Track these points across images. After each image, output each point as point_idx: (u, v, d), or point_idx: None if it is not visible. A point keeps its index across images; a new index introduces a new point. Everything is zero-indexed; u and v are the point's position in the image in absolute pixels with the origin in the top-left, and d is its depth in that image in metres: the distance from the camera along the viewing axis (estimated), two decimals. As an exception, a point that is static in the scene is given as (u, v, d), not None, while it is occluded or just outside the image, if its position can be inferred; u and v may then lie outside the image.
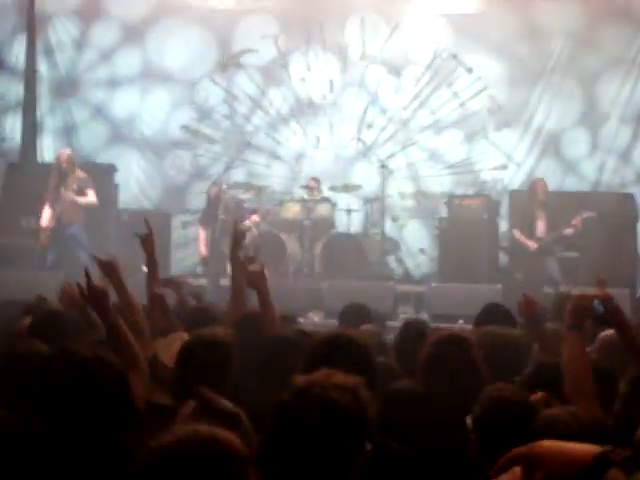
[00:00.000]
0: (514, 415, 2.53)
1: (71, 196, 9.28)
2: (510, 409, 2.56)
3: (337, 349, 2.69)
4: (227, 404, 2.45)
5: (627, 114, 10.78)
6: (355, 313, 5.32)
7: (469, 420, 2.60)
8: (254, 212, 9.82)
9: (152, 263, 4.92)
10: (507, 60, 11.00)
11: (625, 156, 10.82)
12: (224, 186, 9.95)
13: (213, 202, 9.82)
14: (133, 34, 11.37)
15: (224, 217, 9.50)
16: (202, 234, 9.88)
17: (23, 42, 11.36)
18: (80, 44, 11.47)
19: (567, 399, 2.74)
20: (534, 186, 9.70)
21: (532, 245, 9.34)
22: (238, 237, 4.89)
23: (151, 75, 11.43)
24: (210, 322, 4.48)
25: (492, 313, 4.50)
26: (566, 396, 2.75)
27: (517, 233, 9.54)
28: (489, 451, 2.40)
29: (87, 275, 3.49)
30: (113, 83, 11.47)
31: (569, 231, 9.27)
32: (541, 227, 9.44)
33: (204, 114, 11.42)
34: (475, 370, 3.12)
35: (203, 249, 9.82)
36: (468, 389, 2.95)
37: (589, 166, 10.97)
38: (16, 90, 11.41)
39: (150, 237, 4.86)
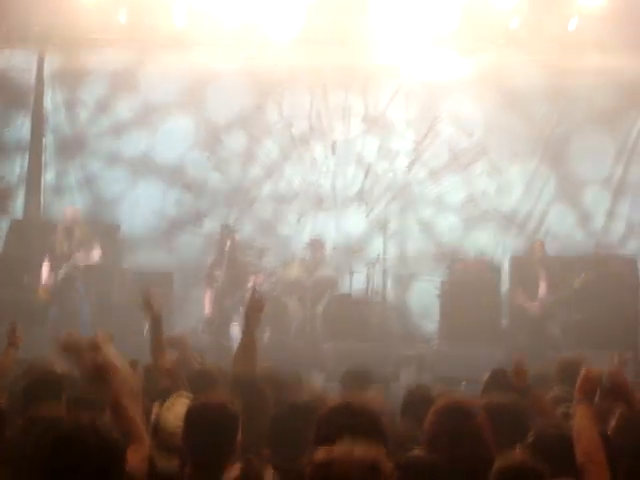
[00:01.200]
0: None
1: (78, 255, 9.33)
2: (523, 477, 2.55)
3: (350, 418, 2.66)
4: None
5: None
6: (357, 377, 5.30)
7: None
8: (258, 272, 9.84)
9: (156, 325, 4.93)
10: (508, 126, 11.11)
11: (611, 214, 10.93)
12: (234, 236, 9.97)
13: (223, 253, 9.79)
14: (123, 81, 11.45)
15: (230, 272, 9.53)
16: (208, 292, 9.85)
17: (31, 102, 11.50)
18: (73, 103, 11.55)
19: (580, 470, 2.72)
20: (534, 247, 9.84)
21: (533, 308, 9.31)
22: (255, 305, 4.84)
23: (154, 113, 11.50)
24: (213, 385, 4.47)
25: (499, 379, 4.47)
26: (578, 467, 2.74)
27: (518, 296, 9.54)
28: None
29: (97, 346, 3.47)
30: (118, 129, 11.54)
31: (570, 292, 9.33)
32: (542, 288, 9.46)
33: (205, 172, 11.48)
34: (479, 438, 3.10)
35: (207, 307, 9.78)
36: (473, 458, 2.94)
37: (595, 226, 11.03)
38: (20, 162, 11.48)
39: (154, 301, 4.86)
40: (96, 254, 9.51)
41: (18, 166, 11.50)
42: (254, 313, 4.78)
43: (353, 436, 2.00)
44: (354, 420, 2.64)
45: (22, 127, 11.53)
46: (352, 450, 1.93)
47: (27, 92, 11.53)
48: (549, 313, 9.42)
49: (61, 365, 5.34)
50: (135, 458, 2.96)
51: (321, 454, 1.94)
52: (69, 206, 10.16)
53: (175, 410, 3.75)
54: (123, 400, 3.26)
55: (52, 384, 4.14)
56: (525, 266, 9.89)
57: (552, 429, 3.15)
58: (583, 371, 2.94)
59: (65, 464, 2.47)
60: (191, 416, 3.25)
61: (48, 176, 11.53)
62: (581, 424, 2.81)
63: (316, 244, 10.34)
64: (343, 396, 2.90)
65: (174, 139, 11.45)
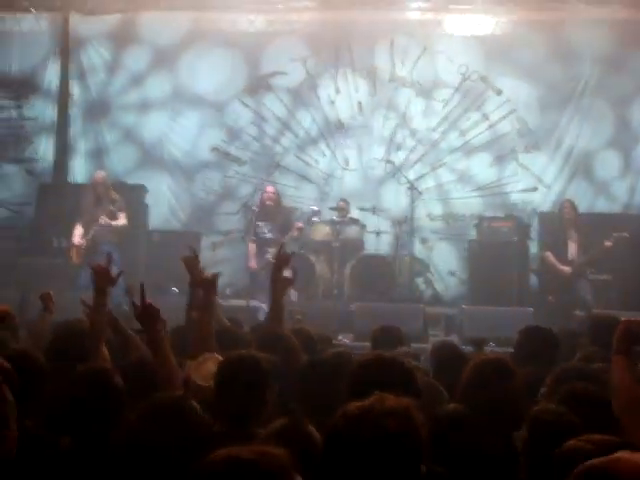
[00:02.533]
0: (562, 437, 2.50)
1: (105, 220, 9.42)
2: (558, 432, 2.54)
3: (383, 372, 2.67)
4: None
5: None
6: (388, 336, 5.30)
7: (518, 442, 2.59)
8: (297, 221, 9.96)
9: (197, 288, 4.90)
10: (536, 82, 10.99)
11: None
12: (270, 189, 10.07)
13: (262, 209, 9.89)
14: (164, 58, 11.48)
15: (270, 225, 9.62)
16: (251, 247, 9.90)
17: (57, 65, 11.54)
18: (112, 68, 11.59)
19: (619, 423, 2.70)
20: (563, 207, 9.69)
21: (565, 270, 9.29)
22: (282, 260, 4.87)
23: (181, 98, 11.52)
24: (241, 342, 4.50)
25: (534, 337, 4.43)
26: (618, 419, 2.72)
27: (549, 256, 9.47)
28: (538, 474, 2.38)
29: (142, 291, 3.56)
30: (144, 106, 11.56)
31: (601, 253, 9.20)
32: (573, 249, 9.38)
33: (233, 136, 11.47)
34: (516, 396, 3.11)
35: (253, 262, 9.83)
36: (509, 413, 2.95)
37: (620, 188, 10.90)
38: (50, 113, 11.57)
39: (195, 260, 4.85)
40: (122, 219, 9.58)
41: (47, 120, 11.53)
42: (279, 268, 4.81)
43: (385, 389, 1.99)
44: (386, 373, 2.64)
45: (51, 82, 11.52)
46: (384, 401, 1.93)
47: (38, 68, 11.53)
48: (580, 274, 9.30)
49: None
50: None
51: (353, 406, 1.94)
52: (98, 171, 10.21)
53: (204, 368, 3.78)
54: (165, 345, 3.41)
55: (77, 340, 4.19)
56: (554, 225, 9.73)
57: (579, 386, 3.13)
58: (623, 320, 2.89)
59: None
60: (223, 371, 3.27)
61: (73, 135, 11.57)
62: (619, 376, 2.78)
63: (342, 205, 10.32)
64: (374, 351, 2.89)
65: (199, 81, 11.37)
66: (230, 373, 3.21)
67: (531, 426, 2.60)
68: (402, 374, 2.69)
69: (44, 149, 11.57)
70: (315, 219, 10.06)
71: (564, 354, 4.42)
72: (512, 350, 5.06)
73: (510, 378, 3.17)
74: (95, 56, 11.57)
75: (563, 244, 9.42)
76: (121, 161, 11.51)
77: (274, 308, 4.76)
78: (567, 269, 9.30)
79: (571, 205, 9.68)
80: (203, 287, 4.38)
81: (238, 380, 3.14)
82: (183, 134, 11.51)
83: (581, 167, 10.96)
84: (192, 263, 4.82)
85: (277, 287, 4.75)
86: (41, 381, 3.32)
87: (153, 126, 11.53)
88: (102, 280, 4.18)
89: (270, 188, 10.28)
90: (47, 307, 5.50)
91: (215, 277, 4.31)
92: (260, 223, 9.91)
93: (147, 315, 3.54)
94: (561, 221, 9.58)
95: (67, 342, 4.27)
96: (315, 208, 10.12)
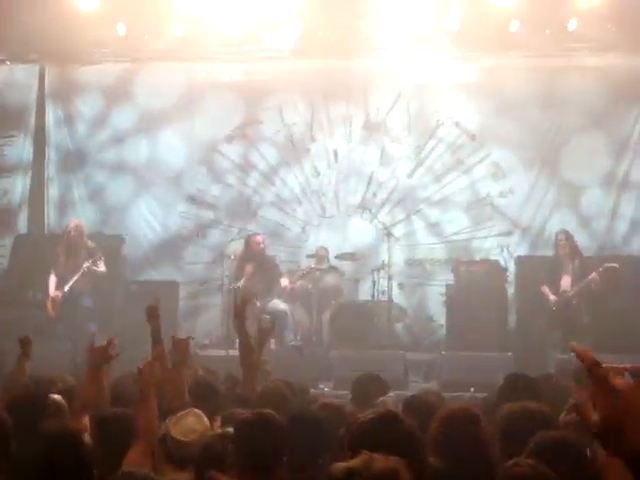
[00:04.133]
0: None
1: (87, 264, 9.32)
2: None
3: (385, 431, 2.61)
4: None
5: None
6: (368, 386, 5.26)
7: None
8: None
9: (157, 338, 4.92)
10: (509, 127, 11.12)
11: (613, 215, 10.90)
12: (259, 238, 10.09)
13: (250, 256, 9.86)
14: (147, 122, 11.48)
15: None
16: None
17: (33, 117, 11.53)
18: (96, 122, 11.58)
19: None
20: (558, 239, 9.62)
21: (553, 299, 9.27)
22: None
23: (153, 126, 11.48)
24: (215, 395, 4.48)
25: (515, 384, 4.42)
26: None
27: (546, 290, 9.45)
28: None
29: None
30: (119, 140, 11.54)
31: (591, 285, 9.15)
32: (566, 282, 9.35)
33: (208, 184, 11.47)
34: (484, 445, 3.09)
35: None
36: (478, 464, 2.93)
37: (596, 227, 10.98)
38: (26, 161, 11.52)
39: (155, 310, 4.88)
40: (101, 266, 9.50)
41: (21, 182, 11.51)
42: (239, 317, 4.84)
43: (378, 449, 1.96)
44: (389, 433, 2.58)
45: (24, 143, 11.55)
46: (372, 463, 1.90)
47: (28, 108, 11.55)
48: (573, 307, 9.22)
49: (67, 380, 5.35)
50: (137, 457, 3.05)
51: (339, 467, 1.91)
52: (72, 219, 10.14)
53: (183, 423, 3.74)
54: (152, 395, 3.39)
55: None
56: (531, 267, 9.73)
57: (553, 436, 3.10)
58: (605, 367, 2.86)
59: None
60: (243, 430, 3.20)
61: (51, 191, 11.54)
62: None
63: (321, 252, 10.33)
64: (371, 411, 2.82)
65: (174, 151, 11.45)
66: (253, 430, 3.15)
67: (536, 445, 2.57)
68: (404, 434, 2.62)
69: (20, 199, 11.50)
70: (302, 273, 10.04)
71: (546, 400, 4.40)
72: (491, 395, 5.06)
73: (477, 426, 3.15)
74: (83, 106, 11.56)
75: (558, 278, 9.38)
76: (97, 211, 11.46)
77: (247, 370, 4.76)
78: (553, 297, 9.29)
79: (565, 237, 9.58)
80: (175, 346, 4.43)
81: (260, 437, 3.09)
82: (168, 158, 11.44)
83: (556, 210, 11.05)
84: (153, 313, 4.85)
85: (243, 338, 4.76)
86: (7, 441, 3.26)
87: (120, 190, 11.49)
88: (99, 357, 4.26)
89: (259, 237, 10.24)
90: (25, 352, 5.40)
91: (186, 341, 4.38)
92: (243, 269, 9.87)
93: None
94: (558, 254, 9.54)
95: (32, 398, 4.21)
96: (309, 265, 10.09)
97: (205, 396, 4.41)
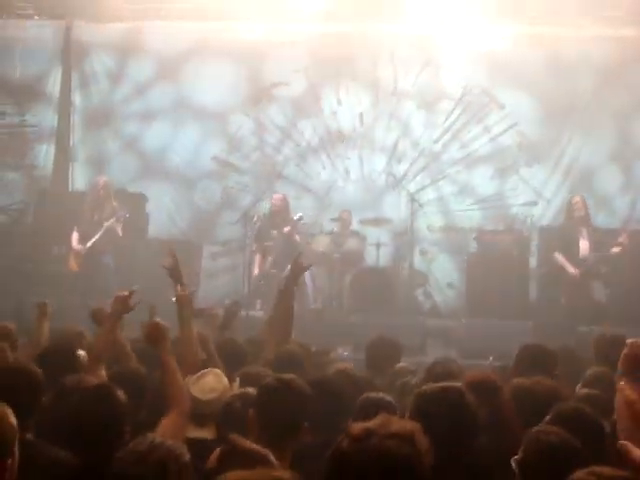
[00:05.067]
0: (560, 460, 2.48)
1: (109, 223, 9.36)
2: (556, 453, 2.51)
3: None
4: (254, 446, 2.47)
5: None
6: (383, 352, 5.26)
7: (514, 464, 2.56)
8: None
9: (183, 294, 4.91)
10: (538, 96, 11.01)
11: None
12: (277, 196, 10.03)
13: (269, 216, 9.87)
14: (168, 69, 11.49)
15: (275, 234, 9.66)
16: (257, 256, 9.87)
17: (59, 73, 11.56)
18: (116, 77, 11.60)
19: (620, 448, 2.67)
20: (573, 203, 9.24)
21: (573, 272, 8.88)
22: (299, 271, 4.86)
23: (183, 109, 11.52)
24: (245, 357, 4.51)
25: (532, 355, 4.40)
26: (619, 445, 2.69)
27: (559, 257, 9.04)
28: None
29: (152, 311, 3.62)
30: (146, 116, 11.58)
31: (616, 250, 8.78)
32: (585, 247, 8.94)
33: (235, 146, 11.48)
34: (505, 414, 3.09)
35: (255, 269, 9.79)
36: (499, 433, 2.94)
37: (621, 203, 10.88)
38: (51, 119, 11.58)
39: (176, 266, 4.89)
40: (119, 228, 9.55)
41: (45, 143, 11.54)
42: (296, 275, 4.82)
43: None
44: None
45: (53, 90, 11.52)
46: (389, 424, 1.92)
47: (48, 72, 11.56)
48: (592, 274, 8.83)
49: (89, 334, 5.42)
50: (176, 421, 3.10)
51: (357, 427, 1.93)
52: (101, 176, 10.17)
53: (203, 382, 3.78)
54: (172, 363, 3.43)
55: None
56: (563, 224, 9.33)
57: (571, 407, 3.09)
58: (629, 342, 2.86)
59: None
60: (263, 393, 3.23)
61: (79, 150, 11.58)
62: (624, 401, 2.75)
63: (344, 216, 10.31)
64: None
65: (202, 113, 11.42)
66: (276, 396, 3.17)
67: (529, 449, 2.57)
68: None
69: (44, 156, 11.57)
70: (302, 223, 9.95)
71: (563, 372, 4.39)
72: (511, 364, 5.06)
73: (497, 395, 3.15)
74: (98, 64, 11.60)
75: (574, 243, 8.99)
76: (122, 170, 11.49)
77: (285, 319, 4.76)
78: (576, 271, 8.84)
79: (582, 201, 9.20)
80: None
81: (282, 403, 3.12)
82: (185, 144, 11.53)
83: (582, 182, 10.94)
84: (174, 271, 4.85)
85: (290, 297, 4.77)
86: (38, 395, 3.30)
87: (154, 136, 11.54)
88: (120, 306, 4.30)
89: (278, 196, 10.21)
90: (43, 313, 5.49)
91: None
92: (264, 231, 9.87)
93: (156, 335, 3.58)
94: (570, 218, 9.16)
95: (60, 352, 4.26)
96: (300, 215, 9.95)
97: (227, 355, 4.45)
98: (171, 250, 4.97)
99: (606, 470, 2.16)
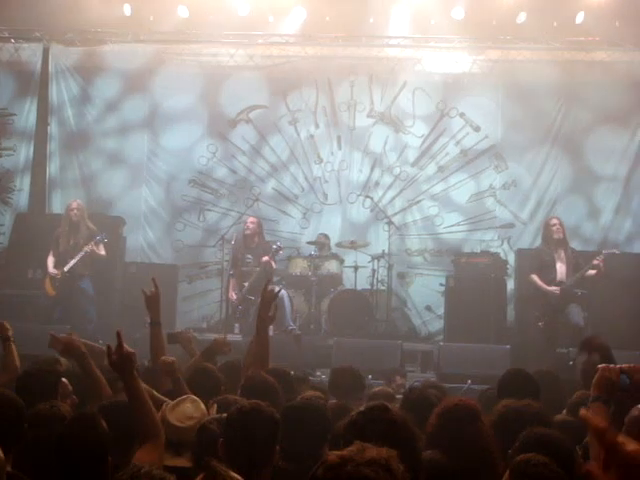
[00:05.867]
0: None
1: (88, 247, 9.30)
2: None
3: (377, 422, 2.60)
4: (236, 477, 2.44)
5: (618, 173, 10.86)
6: (346, 381, 5.26)
7: None
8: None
9: (157, 325, 4.91)
10: (514, 120, 11.12)
11: (619, 211, 10.85)
12: (250, 220, 10.01)
13: (243, 240, 9.87)
14: (136, 82, 11.45)
15: (250, 258, 9.58)
16: (232, 280, 9.84)
17: (36, 96, 11.49)
18: (84, 98, 11.54)
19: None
20: (551, 225, 9.14)
21: (554, 290, 8.82)
22: (269, 298, 4.83)
23: (159, 119, 11.47)
24: (217, 383, 4.47)
25: (514, 380, 4.41)
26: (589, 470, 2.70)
27: (535, 278, 8.99)
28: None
29: (119, 337, 3.49)
30: (123, 130, 11.53)
31: (592, 272, 8.76)
32: (562, 270, 8.93)
33: (212, 169, 11.46)
34: (484, 440, 3.09)
35: (232, 294, 9.75)
36: (476, 459, 2.93)
37: (589, 227, 10.98)
38: (27, 142, 11.49)
39: (156, 296, 4.87)
40: (102, 250, 9.48)
41: (23, 156, 11.47)
42: (268, 307, 4.77)
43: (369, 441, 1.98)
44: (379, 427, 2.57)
45: (27, 118, 11.49)
46: (364, 451, 1.92)
47: (33, 85, 11.50)
48: (569, 297, 8.79)
49: (64, 362, 5.35)
50: (153, 452, 3.04)
51: (333, 455, 1.92)
52: (74, 200, 10.09)
53: (180, 409, 3.75)
54: (141, 390, 3.36)
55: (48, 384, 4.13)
56: (540, 247, 9.29)
57: (541, 433, 3.09)
58: (601, 367, 2.87)
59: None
60: (236, 422, 3.17)
61: (53, 169, 11.50)
62: (592, 432, 2.75)
63: (321, 239, 10.32)
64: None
65: (180, 133, 11.42)
66: (245, 424, 3.12)
67: (515, 477, 2.57)
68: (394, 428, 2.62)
69: (21, 179, 11.48)
70: (280, 252, 9.97)
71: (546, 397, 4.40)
72: (488, 387, 5.06)
73: (476, 422, 3.15)
74: (65, 90, 11.50)
75: (551, 265, 8.96)
76: (100, 193, 11.42)
77: (260, 347, 4.72)
78: (556, 289, 8.80)
79: (560, 223, 9.14)
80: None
81: (252, 432, 3.08)
82: (173, 140, 11.42)
83: (558, 204, 11.03)
84: (153, 299, 4.83)
85: (264, 325, 4.73)
86: (21, 424, 3.25)
87: (135, 147, 11.46)
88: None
89: (251, 218, 10.21)
90: (6, 337, 5.34)
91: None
92: (240, 255, 9.86)
93: (123, 362, 3.45)
94: (549, 240, 9.10)
95: (36, 379, 4.19)
96: (278, 244, 9.99)
97: (202, 383, 4.42)
98: (154, 280, 4.95)
99: None
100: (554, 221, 9.24)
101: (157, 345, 4.85)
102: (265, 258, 9.58)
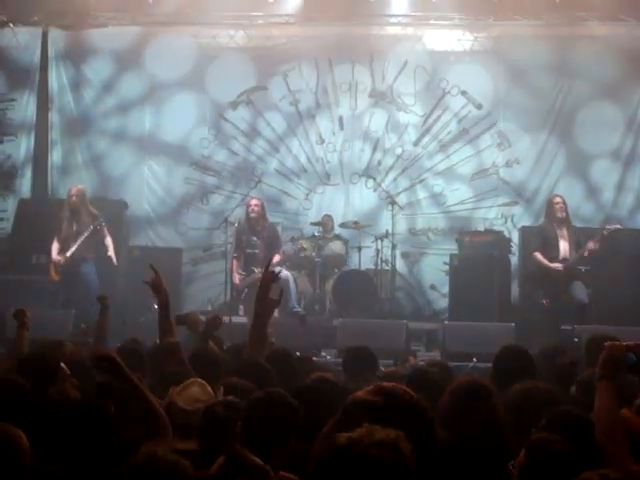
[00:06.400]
0: (562, 468, 2.49)
1: (93, 231, 9.31)
2: (559, 461, 2.53)
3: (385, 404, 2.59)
4: (257, 460, 2.44)
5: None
6: (359, 359, 5.25)
7: (512, 468, 2.57)
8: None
9: (164, 308, 4.91)
10: (516, 97, 11.07)
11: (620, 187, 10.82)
12: (253, 201, 9.98)
13: (247, 222, 9.83)
14: (128, 59, 11.39)
15: (255, 240, 9.59)
16: (235, 263, 9.81)
17: (27, 90, 11.44)
18: (79, 83, 11.50)
19: (600, 447, 2.69)
20: (554, 202, 9.17)
21: (557, 266, 8.85)
22: (268, 280, 4.82)
23: (160, 93, 11.43)
24: (219, 366, 4.49)
25: (511, 355, 4.42)
26: (598, 445, 2.70)
27: (538, 256, 9.02)
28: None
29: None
30: (124, 107, 11.49)
31: (592, 246, 8.76)
32: (565, 248, 8.95)
33: (213, 151, 11.44)
34: (496, 419, 3.08)
35: (237, 279, 9.73)
36: (490, 439, 2.92)
37: (598, 203, 10.94)
38: (28, 130, 11.46)
39: (159, 281, 4.88)
40: (104, 233, 9.49)
41: (24, 144, 11.46)
42: (267, 290, 4.76)
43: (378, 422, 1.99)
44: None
45: (27, 105, 11.47)
46: (373, 433, 1.92)
47: (32, 70, 11.47)
48: (573, 273, 8.80)
49: (70, 346, 5.38)
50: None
51: (342, 436, 1.93)
52: (75, 185, 10.08)
53: (187, 392, 3.76)
54: (147, 393, 3.35)
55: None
56: (543, 224, 9.29)
57: (564, 411, 3.10)
58: (607, 344, 2.87)
59: None
60: (252, 407, 3.21)
61: (55, 155, 11.49)
62: (601, 403, 2.76)
63: (325, 220, 10.31)
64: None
65: (180, 116, 11.40)
66: (262, 411, 3.15)
67: (532, 455, 2.56)
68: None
69: (23, 164, 11.47)
70: (297, 241, 9.99)
71: (544, 372, 4.41)
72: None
73: (489, 400, 3.15)
74: (58, 76, 11.47)
75: (554, 244, 8.96)
76: (102, 177, 11.41)
77: (257, 330, 4.72)
78: (559, 265, 8.81)
79: (563, 201, 9.15)
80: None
81: (269, 418, 3.10)
82: (173, 124, 11.39)
83: (561, 181, 11.00)
84: (157, 284, 4.84)
85: (263, 309, 4.72)
86: (27, 407, 3.26)
87: (135, 130, 11.45)
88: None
89: (254, 201, 10.11)
90: (22, 324, 5.44)
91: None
92: (244, 237, 9.83)
93: (114, 364, 3.41)
94: (549, 218, 9.11)
95: (39, 362, 4.21)
96: (294, 237, 10.00)
97: (206, 366, 4.43)
98: (152, 266, 4.96)
99: (612, 472, 2.21)
100: (557, 199, 9.25)
101: (165, 328, 4.85)
102: (276, 258, 9.47)
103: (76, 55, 11.51)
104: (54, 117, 11.48)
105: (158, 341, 5.11)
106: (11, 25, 11.33)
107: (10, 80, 11.46)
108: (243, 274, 9.72)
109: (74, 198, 9.57)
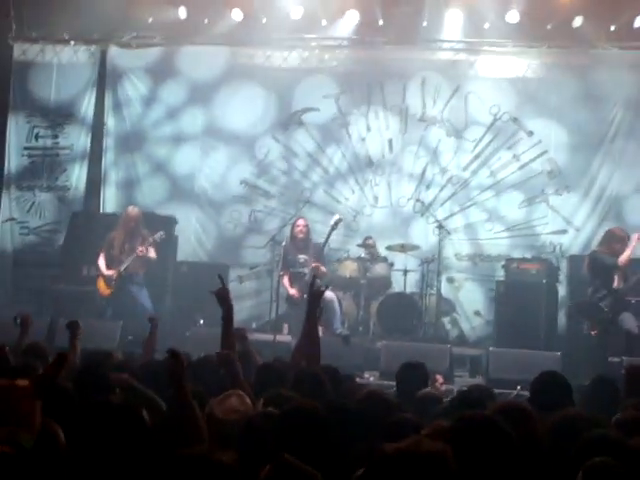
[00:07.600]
0: None
1: (140, 249, 9.48)
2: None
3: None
4: (305, 466, 2.46)
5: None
6: (413, 374, 5.26)
7: None
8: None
9: (228, 321, 4.90)
10: (568, 124, 11.00)
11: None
12: (300, 222, 10.11)
13: (293, 242, 9.94)
14: (199, 93, 11.63)
15: (305, 257, 9.68)
16: (285, 279, 9.90)
17: (93, 97, 11.74)
18: (148, 101, 11.76)
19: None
20: (616, 235, 9.27)
21: (624, 256, 8.89)
22: (317, 295, 4.87)
23: (213, 133, 11.64)
24: (277, 379, 4.52)
25: (549, 382, 4.38)
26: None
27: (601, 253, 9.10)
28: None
29: (174, 355, 3.50)
30: (177, 140, 11.70)
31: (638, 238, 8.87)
32: (617, 281, 9.00)
33: (263, 170, 11.56)
34: (535, 441, 3.07)
35: (294, 291, 9.81)
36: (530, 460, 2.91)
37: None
38: (84, 142, 11.74)
39: (225, 292, 4.89)
40: (152, 253, 9.67)
41: (77, 166, 11.71)
42: (315, 300, 4.81)
43: None
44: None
45: (82, 129, 11.73)
46: (421, 444, 1.94)
47: (83, 94, 11.73)
48: (621, 304, 8.83)
49: (119, 356, 5.48)
50: None
51: (390, 447, 1.95)
52: (132, 206, 10.27)
53: (226, 403, 3.79)
54: (191, 400, 3.39)
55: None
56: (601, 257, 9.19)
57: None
58: (625, 367, 2.84)
59: None
60: (283, 420, 3.22)
61: (112, 174, 11.71)
62: None
63: (368, 242, 10.33)
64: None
65: (230, 142, 11.53)
66: (295, 424, 3.16)
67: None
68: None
69: (77, 178, 11.72)
70: (343, 262, 10.04)
71: (586, 402, 4.37)
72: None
73: (529, 423, 3.13)
74: (131, 88, 11.76)
75: (609, 281, 8.99)
76: (152, 192, 11.62)
77: (312, 342, 4.77)
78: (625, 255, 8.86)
79: (626, 234, 9.23)
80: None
81: (302, 431, 3.11)
82: (214, 167, 11.64)
83: (612, 211, 10.87)
84: (223, 295, 4.86)
85: (313, 322, 4.78)
86: (69, 411, 3.33)
87: (184, 160, 11.66)
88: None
89: (301, 221, 10.24)
90: (75, 335, 5.57)
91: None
92: (290, 257, 9.90)
93: (176, 370, 3.46)
94: (612, 250, 9.08)
95: (93, 374, 4.29)
96: (340, 258, 10.08)
97: (269, 382, 4.45)
98: (220, 276, 5.03)
99: None
100: (622, 234, 9.22)
101: (226, 342, 4.87)
102: (315, 264, 9.62)
103: (126, 73, 11.75)
104: (108, 137, 11.72)
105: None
106: (72, 43, 11.61)
107: (71, 93, 11.72)
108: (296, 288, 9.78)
109: (132, 223, 9.76)
